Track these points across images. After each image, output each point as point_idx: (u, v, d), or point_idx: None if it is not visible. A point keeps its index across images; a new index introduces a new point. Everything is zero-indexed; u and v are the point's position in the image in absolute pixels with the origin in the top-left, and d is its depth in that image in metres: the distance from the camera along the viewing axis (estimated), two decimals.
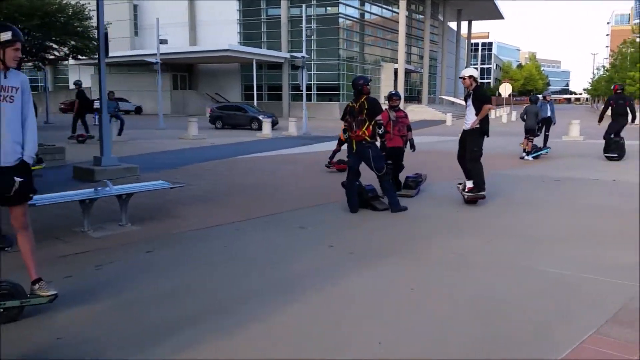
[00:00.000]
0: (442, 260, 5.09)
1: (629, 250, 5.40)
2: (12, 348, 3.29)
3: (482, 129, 7.80)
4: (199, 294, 4.27)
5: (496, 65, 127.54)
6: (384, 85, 55.84)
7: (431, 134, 26.46)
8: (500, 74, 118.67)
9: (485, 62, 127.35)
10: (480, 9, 68.02)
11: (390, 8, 56.38)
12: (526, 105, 14.37)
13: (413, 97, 62.03)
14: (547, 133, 15.27)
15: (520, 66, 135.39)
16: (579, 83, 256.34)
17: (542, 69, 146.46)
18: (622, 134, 13.38)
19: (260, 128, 25.80)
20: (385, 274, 4.72)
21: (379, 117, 7.22)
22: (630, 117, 13.47)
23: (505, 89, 42.04)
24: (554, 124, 15.24)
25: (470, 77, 7.91)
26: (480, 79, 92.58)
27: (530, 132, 13.66)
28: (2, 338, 3.32)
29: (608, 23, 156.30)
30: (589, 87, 77.92)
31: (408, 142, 9.01)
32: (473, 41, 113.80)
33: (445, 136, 24.03)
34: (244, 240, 5.89)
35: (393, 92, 9.02)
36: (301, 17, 46.48)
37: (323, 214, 7.41)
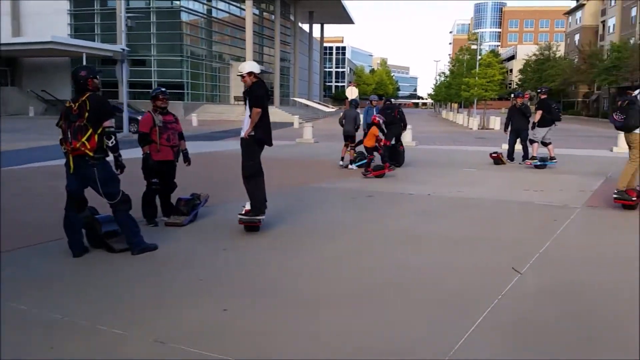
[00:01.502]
0: None
1: (418, 319, 3.92)
2: None
3: (258, 137, 6.09)
4: None
5: (350, 69, 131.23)
6: (234, 85, 53.87)
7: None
8: (353, 78, 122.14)
9: (340, 65, 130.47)
10: (331, 13, 68.64)
11: (238, 5, 54.45)
12: (345, 109, 13.12)
13: None
14: None
15: (372, 71, 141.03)
16: (425, 89, 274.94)
17: (392, 74, 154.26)
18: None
19: None
20: None
21: (107, 123, 5.16)
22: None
23: (352, 93, 41.94)
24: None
25: (250, 74, 6.16)
26: (335, 82, 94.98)
27: (349, 138, 12.46)
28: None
29: (451, 32, 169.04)
30: (432, 93, 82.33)
31: (181, 154, 7.06)
32: (327, 44, 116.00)
33: (283, 140, 22.54)
34: None
35: (158, 89, 6.96)
36: (138, 8, 42.96)
37: (32, 259, 5.18)
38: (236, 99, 52.74)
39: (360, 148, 13.96)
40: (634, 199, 7.61)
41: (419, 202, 8.45)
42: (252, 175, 6.14)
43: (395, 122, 12.72)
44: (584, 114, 72.50)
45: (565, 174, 11.83)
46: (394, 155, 12.83)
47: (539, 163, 12.78)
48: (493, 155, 13.75)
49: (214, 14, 53.19)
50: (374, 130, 11.53)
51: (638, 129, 7.55)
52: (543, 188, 9.86)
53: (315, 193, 9.17)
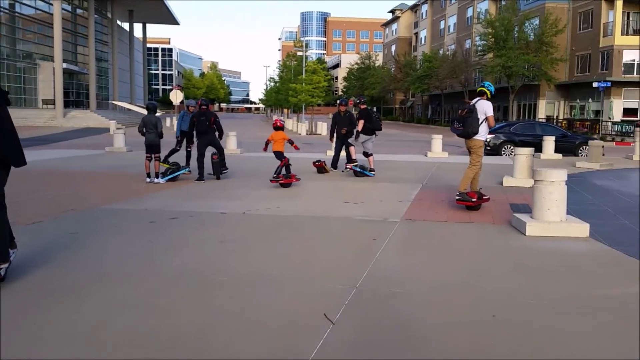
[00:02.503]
0: None
1: None
2: None
3: None
4: None
5: (178, 72, 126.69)
6: (42, 87, 48.36)
7: (74, 146, 22.12)
8: (182, 82, 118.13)
9: (167, 68, 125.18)
10: (153, 12, 65.08)
11: (46, 0, 48.99)
12: (144, 115, 11.36)
13: (81, 101, 55.47)
14: (188, 149, 12.88)
15: (202, 75, 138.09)
16: (258, 94, 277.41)
17: (223, 78, 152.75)
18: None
19: None
20: None
21: None
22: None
23: (176, 96, 39.79)
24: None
25: None
26: (162, 85, 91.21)
27: (153, 149, 10.95)
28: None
29: (280, 39, 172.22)
30: (264, 98, 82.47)
31: None
32: (152, 45, 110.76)
33: (90, 149, 20.06)
34: None
35: None
36: None
37: None
38: (44, 102, 47.32)
39: (174, 158, 12.57)
40: (474, 200, 8.11)
41: (230, 224, 7.34)
42: None
43: (208, 131, 11.49)
44: (401, 119, 78.20)
45: (385, 182, 11.65)
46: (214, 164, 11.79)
47: (358, 169, 12.51)
48: (316, 164, 13.24)
49: (18, 9, 47.20)
50: (282, 134, 11.10)
51: (477, 135, 8.09)
52: (363, 199, 9.39)
53: (105, 218, 7.57)
